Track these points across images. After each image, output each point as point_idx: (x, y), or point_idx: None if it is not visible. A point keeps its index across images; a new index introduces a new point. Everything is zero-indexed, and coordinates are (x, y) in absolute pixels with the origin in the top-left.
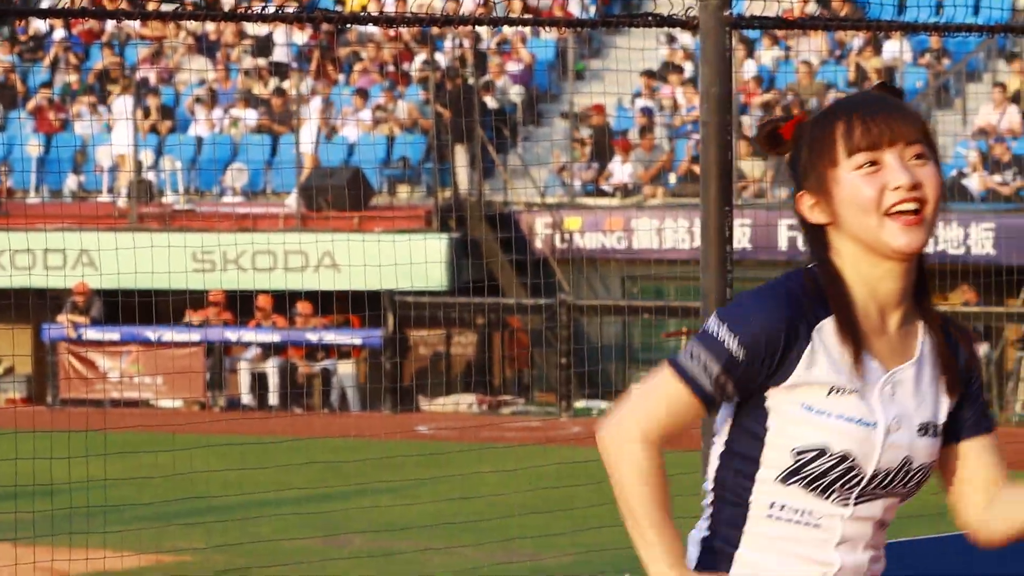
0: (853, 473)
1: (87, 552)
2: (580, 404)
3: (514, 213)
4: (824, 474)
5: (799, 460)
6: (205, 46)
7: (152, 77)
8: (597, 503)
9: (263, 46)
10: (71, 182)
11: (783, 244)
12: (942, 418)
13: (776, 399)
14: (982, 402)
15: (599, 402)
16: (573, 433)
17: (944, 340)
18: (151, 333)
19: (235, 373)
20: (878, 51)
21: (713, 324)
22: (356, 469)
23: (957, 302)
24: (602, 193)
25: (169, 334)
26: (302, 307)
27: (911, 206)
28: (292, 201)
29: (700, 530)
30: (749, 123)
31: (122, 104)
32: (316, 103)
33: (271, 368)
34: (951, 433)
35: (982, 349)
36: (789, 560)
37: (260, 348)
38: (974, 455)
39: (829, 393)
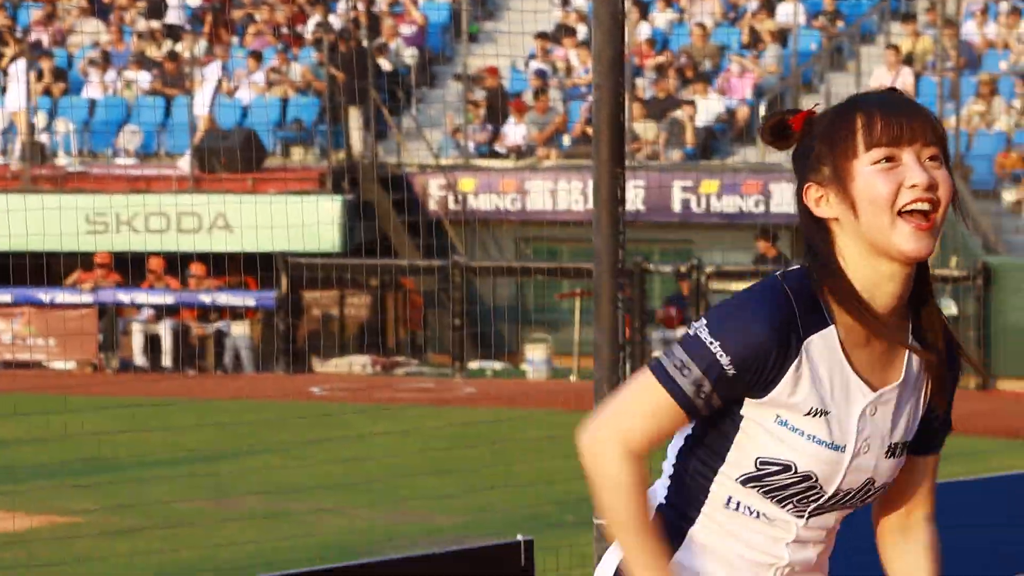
0: (814, 492)
1: None
2: (474, 365)
3: (408, 175)
4: (784, 488)
5: (762, 469)
6: (98, 8)
7: (45, 39)
8: (490, 464)
9: (156, 8)
10: None
11: (676, 206)
12: (911, 435)
13: (753, 410)
14: (948, 417)
15: (492, 363)
16: (467, 394)
17: (945, 350)
18: (43, 295)
19: (128, 335)
20: (772, 13)
21: (704, 333)
22: (249, 431)
23: None
24: (496, 155)
25: (61, 296)
26: (195, 268)
27: (925, 206)
28: (185, 163)
29: (657, 490)
30: (642, 85)
31: (15, 67)
32: (212, 66)
33: (164, 329)
34: (918, 450)
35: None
36: (740, 549)
37: (153, 310)
38: (917, 472)
39: (807, 413)
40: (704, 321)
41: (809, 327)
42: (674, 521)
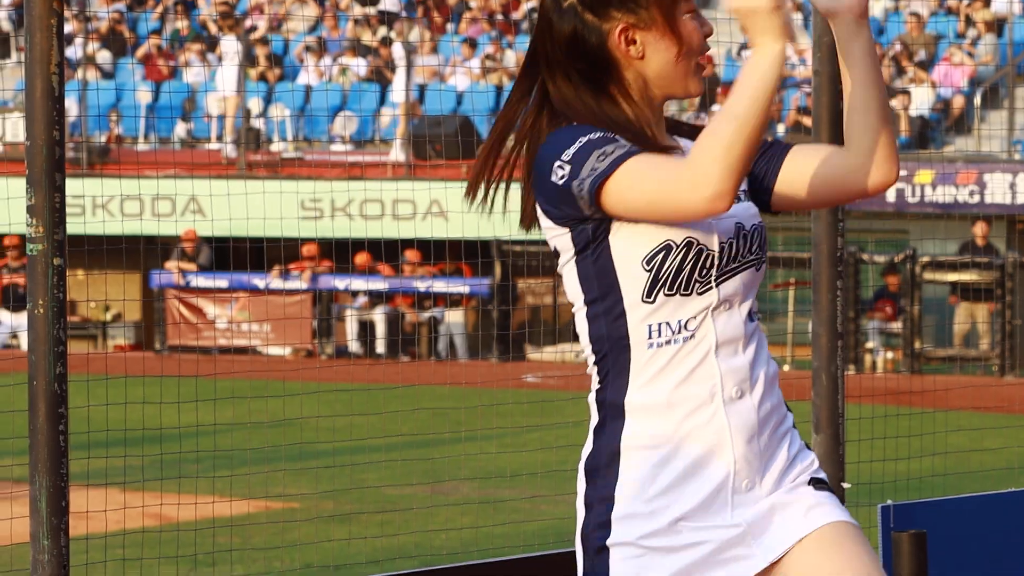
0: (704, 256)
1: (196, 498)
2: None
3: None
4: (679, 269)
5: (651, 267)
6: None
7: (261, 26)
8: None
9: None
10: (180, 129)
11: (891, 195)
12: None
13: (615, 224)
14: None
15: None
16: None
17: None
18: (259, 281)
19: (342, 321)
20: (987, 2)
21: (567, 154)
22: (463, 417)
23: None
24: None
25: (276, 281)
26: (410, 255)
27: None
28: (395, 150)
29: (592, 390)
30: None
31: (231, 51)
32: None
33: (379, 316)
34: (767, 177)
35: None
36: (676, 387)
37: (368, 296)
38: (796, 159)
39: None
40: (555, 166)
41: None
42: (613, 402)
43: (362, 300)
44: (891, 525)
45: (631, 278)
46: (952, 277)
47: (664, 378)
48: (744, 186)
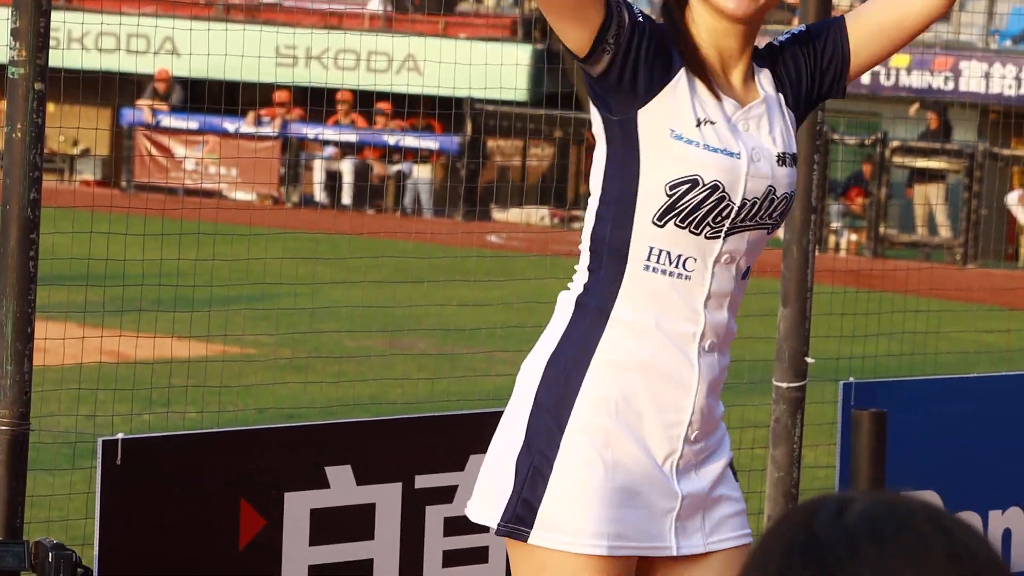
0: (724, 204)
1: (154, 337)
2: None
3: None
4: (697, 207)
5: (673, 194)
6: None
7: None
8: None
9: None
10: None
11: (865, 78)
12: (794, 149)
13: (647, 125)
14: (831, 20)
15: None
16: None
17: (774, 67)
18: (229, 124)
19: (310, 170)
20: None
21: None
22: (425, 271)
23: None
24: None
25: (246, 126)
26: (382, 106)
27: None
28: (374, 1)
29: (572, 290)
30: None
31: None
32: None
33: (347, 167)
34: (842, 52)
35: None
36: (663, 316)
37: (337, 146)
38: (860, 20)
39: (697, 124)
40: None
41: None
42: (597, 308)
43: (331, 150)
44: (852, 403)
45: (650, 197)
46: (921, 163)
47: (653, 304)
48: (794, 149)
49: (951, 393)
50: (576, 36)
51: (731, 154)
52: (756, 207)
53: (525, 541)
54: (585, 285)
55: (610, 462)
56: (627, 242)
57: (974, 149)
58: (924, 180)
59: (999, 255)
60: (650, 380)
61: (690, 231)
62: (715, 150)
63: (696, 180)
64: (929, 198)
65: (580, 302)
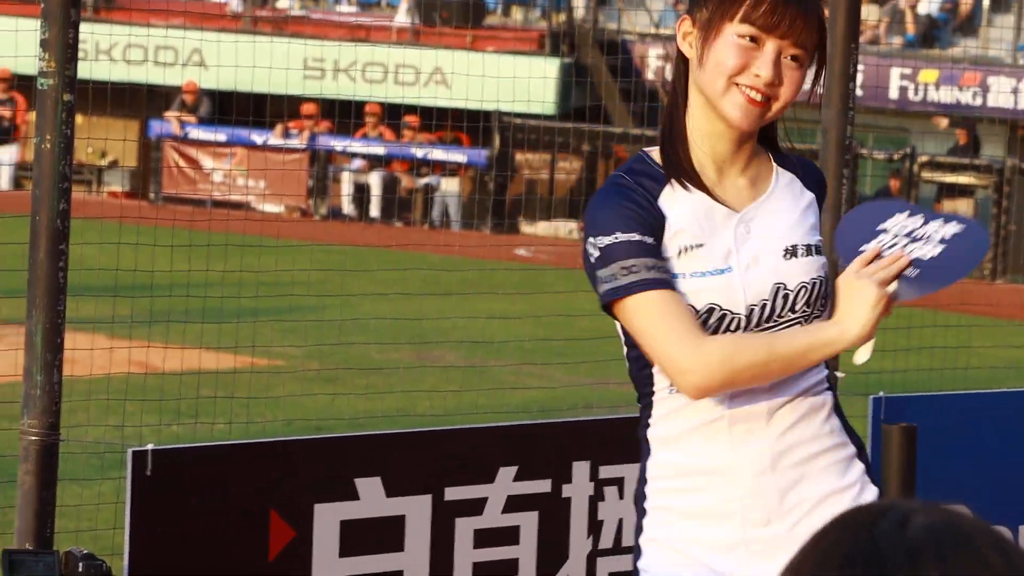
0: (728, 319)
1: (182, 349)
2: None
3: (627, 42)
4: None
5: None
6: None
7: None
8: None
9: None
10: None
11: (894, 93)
12: (815, 239)
13: None
14: None
15: None
16: None
17: (797, 175)
18: (257, 137)
19: (338, 183)
20: None
21: (600, 242)
22: (453, 284)
23: None
24: None
25: (274, 139)
26: (410, 120)
27: (758, 96)
28: (401, 14)
29: (644, 426)
30: None
31: None
32: None
33: (375, 180)
34: None
35: None
36: (691, 425)
37: (365, 159)
38: None
39: (679, 255)
40: (589, 241)
41: (655, 189)
42: (643, 436)
43: (360, 162)
44: (881, 417)
45: None
46: (949, 179)
47: (681, 415)
48: (813, 240)
49: (981, 408)
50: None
51: (720, 271)
52: (767, 309)
53: None
54: (639, 418)
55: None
56: (651, 378)
57: (1003, 165)
58: (953, 195)
59: None
60: (695, 485)
61: None
62: (702, 275)
63: (689, 308)
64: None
65: (639, 434)
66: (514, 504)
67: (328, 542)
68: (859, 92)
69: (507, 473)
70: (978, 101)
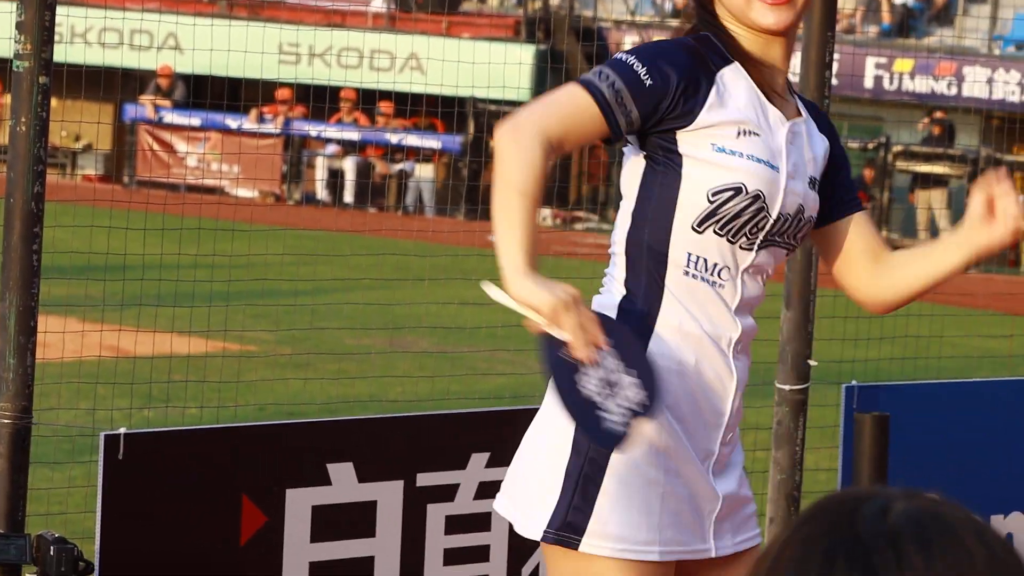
0: (762, 215)
1: (154, 333)
2: None
3: (602, 29)
4: (737, 215)
5: (715, 200)
6: None
7: None
8: None
9: None
10: None
11: (868, 83)
12: (820, 174)
13: (687, 144)
14: (853, 186)
15: None
16: None
17: (812, 115)
18: (232, 121)
19: (312, 168)
20: None
21: (624, 55)
22: (426, 270)
23: None
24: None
25: (249, 123)
26: (384, 106)
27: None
28: (380, 0)
29: (612, 294)
30: None
31: None
32: None
33: (349, 165)
34: (827, 212)
35: None
36: (708, 321)
37: (339, 145)
38: (853, 228)
39: (738, 135)
40: (623, 51)
41: (720, 63)
42: (641, 311)
43: (333, 148)
44: (854, 406)
45: (691, 203)
46: (923, 168)
47: (698, 309)
48: (818, 175)
49: (953, 397)
50: (593, 140)
51: (773, 167)
52: (787, 223)
53: (575, 549)
54: (627, 289)
55: (662, 467)
56: (667, 247)
57: (977, 154)
58: (927, 185)
59: (1001, 261)
60: (696, 384)
61: (727, 239)
62: (759, 160)
63: (740, 188)
64: (932, 203)
65: (623, 307)
66: (486, 490)
67: (300, 527)
68: (834, 81)
69: (479, 459)
70: (953, 91)
